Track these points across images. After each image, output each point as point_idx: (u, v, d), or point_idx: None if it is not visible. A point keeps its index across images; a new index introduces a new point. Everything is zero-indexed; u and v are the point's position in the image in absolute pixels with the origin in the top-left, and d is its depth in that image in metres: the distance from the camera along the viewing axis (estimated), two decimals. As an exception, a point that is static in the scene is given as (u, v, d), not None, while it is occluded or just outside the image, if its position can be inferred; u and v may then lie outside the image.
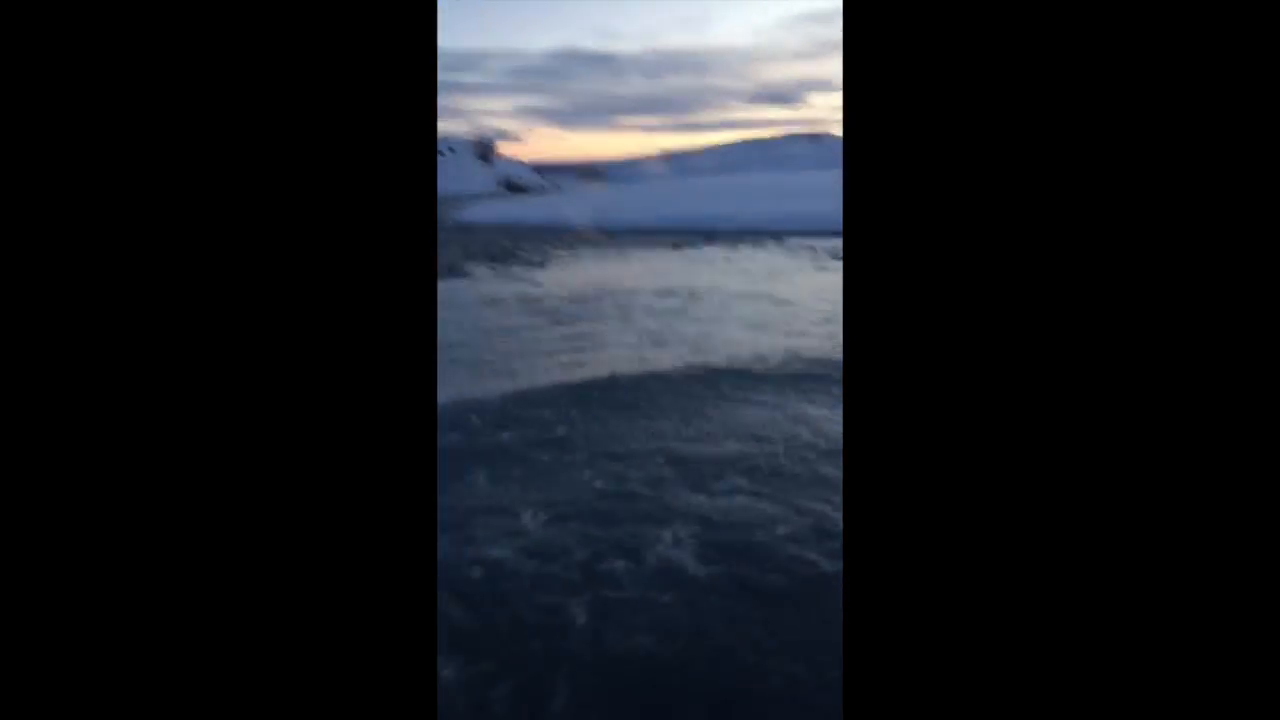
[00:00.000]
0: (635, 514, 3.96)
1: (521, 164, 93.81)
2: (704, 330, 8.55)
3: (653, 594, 3.22)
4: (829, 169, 46.21)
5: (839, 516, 3.79)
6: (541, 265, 15.01)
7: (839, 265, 13.00)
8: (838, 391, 5.86)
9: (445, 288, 12.12)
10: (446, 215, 33.30)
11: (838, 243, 16.18)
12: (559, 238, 21.21)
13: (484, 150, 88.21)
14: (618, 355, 7.34)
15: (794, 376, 6.50)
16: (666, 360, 7.04)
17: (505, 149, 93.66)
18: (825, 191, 26.05)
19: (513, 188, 77.42)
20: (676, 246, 17.94)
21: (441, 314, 9.67)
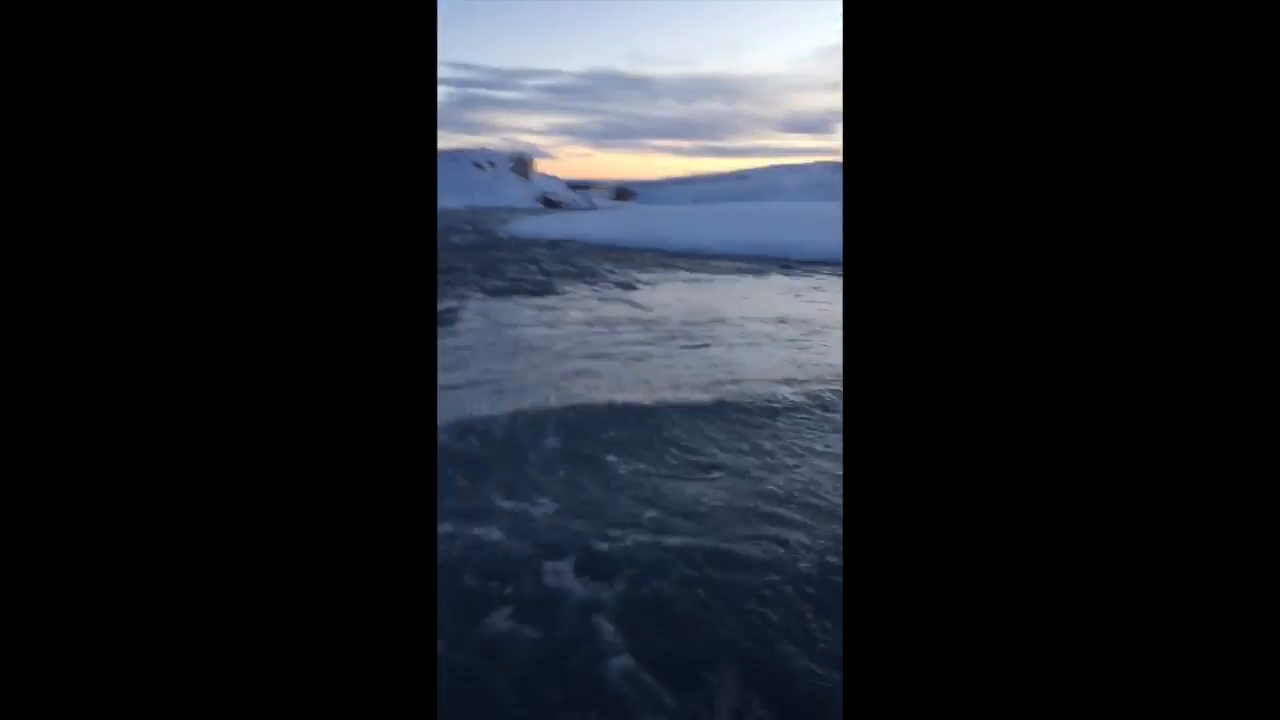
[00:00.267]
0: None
1: (558, 180, 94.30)
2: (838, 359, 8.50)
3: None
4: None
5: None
6: (632, 286, 15.12)
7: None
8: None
9: (543, 304, 12.27)
10: (493, 228, 33.69)
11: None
12: (628, 258, 21.35)
13: (521, 165, 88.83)
14: (770, 378, 7.41)
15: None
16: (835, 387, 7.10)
17: (538, 165, 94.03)
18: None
19: (549, 203, 77.75)
20: (759, 273, 18.03)
21: (566, 334, 9.81)
